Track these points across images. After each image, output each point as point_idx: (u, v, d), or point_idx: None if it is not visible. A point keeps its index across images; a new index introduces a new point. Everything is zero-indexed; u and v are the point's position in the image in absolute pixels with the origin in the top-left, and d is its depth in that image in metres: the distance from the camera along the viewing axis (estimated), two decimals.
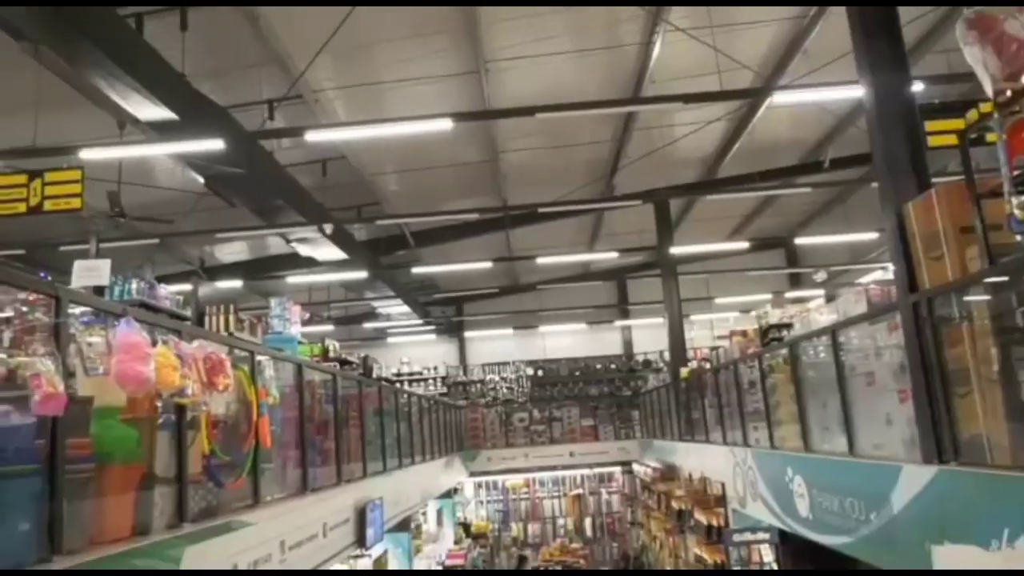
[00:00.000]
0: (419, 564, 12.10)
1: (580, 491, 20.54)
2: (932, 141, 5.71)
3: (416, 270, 16.36)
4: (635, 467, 18.75)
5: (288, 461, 5.64)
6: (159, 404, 3.61)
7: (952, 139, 5.50)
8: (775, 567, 9.67)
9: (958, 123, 5.25)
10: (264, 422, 4.65)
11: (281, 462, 5.46)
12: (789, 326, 8.98)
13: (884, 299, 5.58)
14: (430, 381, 22.02)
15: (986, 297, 4.24)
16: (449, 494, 15.76)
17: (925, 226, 4.49)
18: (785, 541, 10.07)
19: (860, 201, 15.32)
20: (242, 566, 4.18)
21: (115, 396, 3.18)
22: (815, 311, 7.86)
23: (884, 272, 15.33)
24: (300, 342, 7.08)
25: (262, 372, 4.80)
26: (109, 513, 3.19)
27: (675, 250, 15.06)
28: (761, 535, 9.62)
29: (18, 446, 2.63)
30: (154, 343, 3.33)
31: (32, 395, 2.57)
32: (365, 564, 10.40)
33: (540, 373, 22.31)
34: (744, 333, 10.92)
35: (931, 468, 4.40)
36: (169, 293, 6.47)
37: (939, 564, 4.42)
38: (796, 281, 21.65)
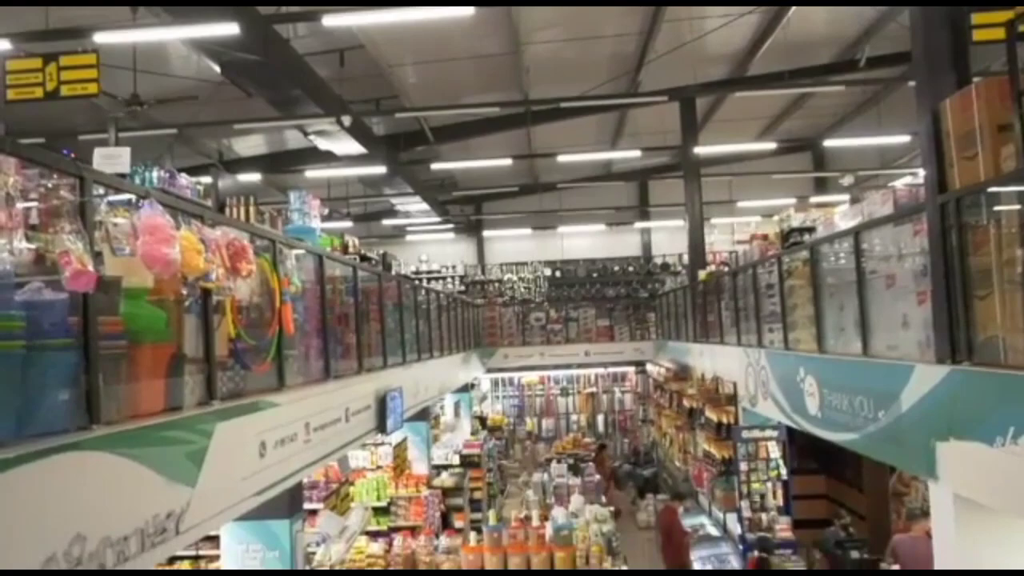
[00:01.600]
0: (437, 452, 12.64)
1: (594, 389, 21.10)
2: (977, 35, 5.44)
3: (435, 166, 16.21)
4: (649, 367, 19.13)
5: (311, 350, 5.80)
6: (184, 289, 3.70)
7: (999, 32, 5.22)
8: (781, 463, 10.01)
9: (1007, 14, 4.96)
10: (287, 309, 4.76)
11: (304, 350, 5.62)
12: (811, 230, 8.91)
13: (912, 201, 5.49)
14: (448, 279, 22.24)
15: (1019, 193, 4.15)
16: (466, 388, 16.23)
17: (961, 124, 4.34)
18: (792, 439, 10.38)
19: (894, 103, 14.79)
20: (269, 444, 4.38)
21: (142, 278, 3.26)
22: (839, 214, 7.76)
23: (913, 178, 14.99)
24: (320, 235, 7.13)
25: (283, 262, 4.87)
26: (142, 389, 3.33)
27: (699, 150, 14.73)
28: (769, 432, 9.90)
29: (52, 321, 2.72)
30: (177, 227, 3.38)
31: (63, 272, 2.64)
32: (386, 451, 10.91)
33: (558, 274, 22.42)
34: (765, 236, 10.85)
35: (943, 368, 4.44)
36: (190, 182, 6.48)
37: (942, 460, 4.55)
38: (822, 186, 21.24)
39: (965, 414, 4.24)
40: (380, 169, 14.50)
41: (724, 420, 10.83)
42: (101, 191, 3.02)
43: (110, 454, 2.81)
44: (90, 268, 2.70)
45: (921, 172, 5.05)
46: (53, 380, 2.72)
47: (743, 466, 9.93)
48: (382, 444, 11.01)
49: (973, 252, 4.32)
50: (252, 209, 7.46)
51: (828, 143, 17.63)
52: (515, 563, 7.53)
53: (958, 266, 4.35)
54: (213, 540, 10.10)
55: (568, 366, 19.91)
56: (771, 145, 17.15)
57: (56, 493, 2.52)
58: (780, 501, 10.07)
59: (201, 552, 10.31)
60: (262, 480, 4.27)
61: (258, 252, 4.47)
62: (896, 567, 8.23)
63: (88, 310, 2.80)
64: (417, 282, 16.41)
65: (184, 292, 3.69)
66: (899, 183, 16.20)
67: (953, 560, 4.70)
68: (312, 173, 15.89)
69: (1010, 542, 4.64)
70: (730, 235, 19.62)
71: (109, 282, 3.05)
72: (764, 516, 9.89)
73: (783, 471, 9.97)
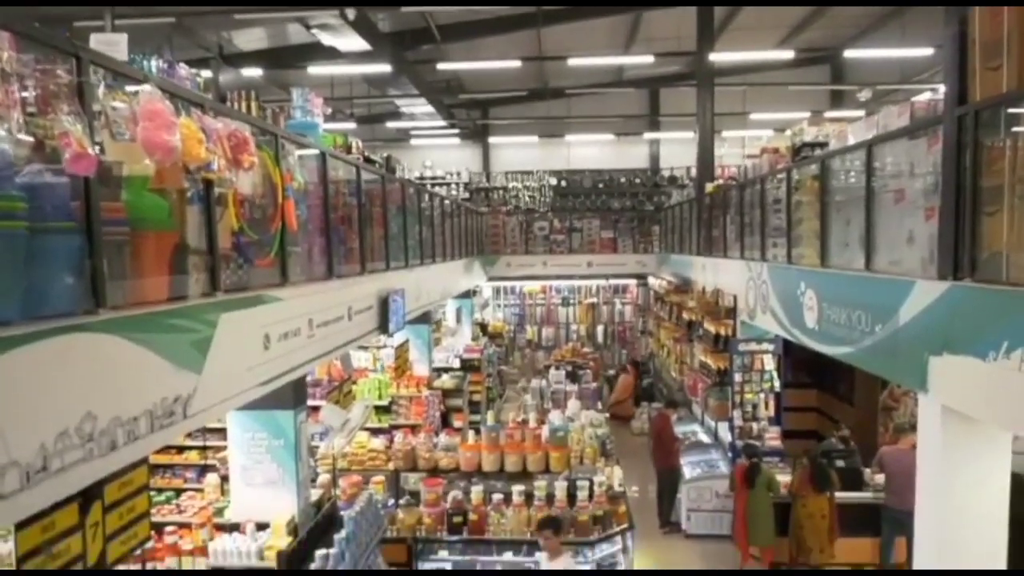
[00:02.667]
0: (438, 355, 12.89)
1: (594, 300, 21.28)
2: None
3: (442, 66, 15.73)
4: (650, 280, 19.22)
5: (314, 248, 5.80)
6: (186, 179, 3.66)
7: None
8: (775, 376, 10.20)
9: None
10: (289, 205, 4.73)
11: (307, 248, 5.63)
12: (824, 145, 8.73)
13: (929, 114, 5.35)
14: (452, 186, 22.02)
15: None
16: (468, 295, 16.37)
17: (989, 32, 4.17)
18: (787, 353, 10.55)
19: (919, 15, 14.18)
20: (274, 337, 4.46)
21: (143, 165, 3.22)
22: (853, 128, 7.58)
23: (933, 95, 14.59)
24: (322, 133, 7.00)
25: (286, 157, 4.81)
26: (146, 277, 3.36)
27: (715, 57, 14.24)
28: (766, 345, 10.05)
29: (55, 204, 2.71)
30: (178, 115, 3.31)
31: (63, 154, 2.61)
32: (387, 353, 11.12)
33: (563, 183, 22.17)
34: (776, 150, 10.64)
35: (944, 284, 4.45)
36: (189, 74, 6.31)
37: (934, 374, 4.63)
38: (838, 100, 20.67)
39: (961, 329, 4.28)
40: (385, 68, 14.08)
41: (722, 333, 10.96)
42: (100, 74, 2.93)
43: (117, 337, 2.86)
44: (90, 151, 2.67)
45: (941, 88, 4.90)
46: (57, 263, 2.74)
47: (737, 377, 10.13)
48: (384, 347, 11.22)
49: (986, 168, 4.25)
50: (254, 104, 7.29)
51: (848, 54, 17.00)
52: (511, 461, 7.79)
53: (970, 182, 4.29)
54: (220, 433, 10.46)
55: (570, 277, 19.99)
56: (789, 54, 16.58)
57: (65, 372, 2.58)
58: (771, 412, 10.33)
59: (209, 443, 10.70)
60: (266, 372, 4.36)
61: (260, 145, 4.40)
62: (881, 476, 8.53)
63: (90, 194, 2.79)
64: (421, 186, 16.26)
65: (186, 182, 3.66)
66: (917, 98, 15.80)
67: (935, 469, 4.86)
68: (315, 70, 15.44)
69: (991, 452, 4.80)
70: (740, 149, 19.30)
71: (110, 167, 3.02)
72: (755, 425, 10.17)
73: (776, 383, 10.18)
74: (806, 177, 7.77)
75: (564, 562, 6.19)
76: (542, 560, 6.41)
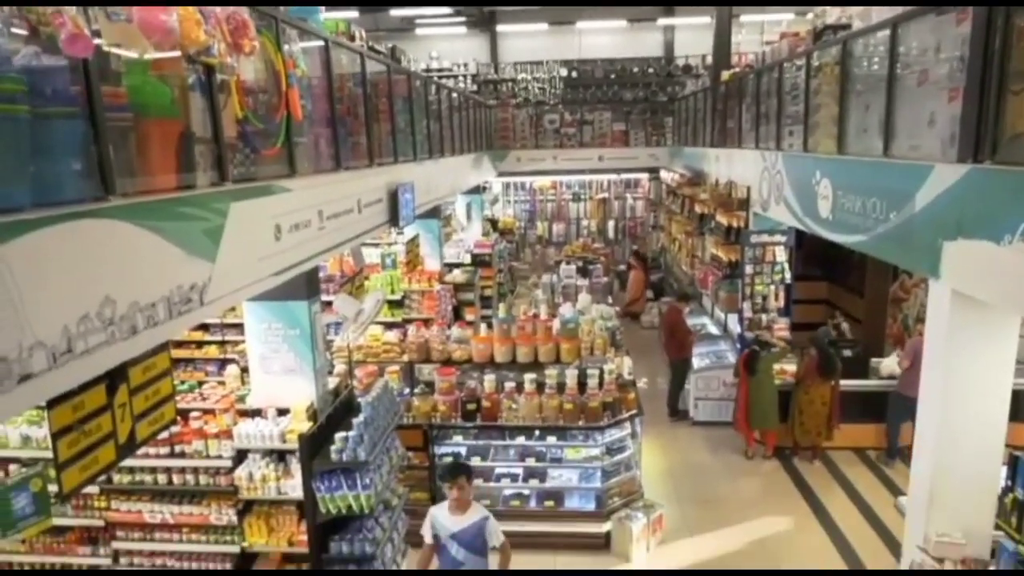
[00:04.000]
0: (449, 251, 12.94)
1: (606, 195, 21.09)
2: None
3: None
4: (663, 174, 18.94)
5: (320, 139, 5.72)
6: (186, 64, 3.57)
7: None
8: (786, 267, 10.20)
9: None
10: (293, 93, 4.62)
11: (313, 139, 5.54)
12: (847, 27, 8.34)
13: None
14: (460, 79, 21.40)
15: None
16: (477, 191, 16.22)
17: None
18: (799, 245, 10.51)
19: None
20: (284, 228, 4.47)
21: (142, 47, 3.12)
22: (877, 7, 7.21)
23: None
24: (323, 19, 6.74)
25: (288, 43, 4.65)
26: (154, 165, 3.34)
27: None
28: (778, 237, 10.00)
29: (55, 88, 2.66)
30: None
31: (58, 35, 2.53)
32: (398, 249, 11.16)
33: (574, 74, 21.45)
34: (796, 35, 10.21)
35: (963, 167, 4.36)
36: None
37: (947, 259, 4.61)
38: None
39: (977, 213, 4.23)
40: None
41: (734, 225, 10.89)
42: None
43: (129, 224, 2.87)
44: (86, 31, 2.59)
45: None
46: (63, 149, 2.72)
47: (748, 269, 10.14)
48: (394, 243, 11.26)
49: (1016, 44, 4.07)
50: None
51: None
52: (523, 353, 7.95)
53: (999, 58, 4.11)
54: (238, 328, 10.68)
55: (581, 171, 19.71)
56: None
57: (80, 257, 2.61)
58: (781, 303, 10.41)
59: (227, 338, 10.97)
60: (279, 262, 4.40)
61: (260, 30, 4.26)
62: (907, 364, 8.66)
63: (90, 78, 2.73)
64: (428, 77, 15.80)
65: (186, 67, 3.57)
66: None
67: (943, 352, 4.93)
68: None
69: (998, 336, 4.85)
70: (759, 35, 18.47)
71: (108, 51, 2.94)
72: (764, 317, 10.27)
73: (787, 275, 10.20)
74: (826, 61, 7.48)
75: (472, 514, 5.00)
76: (443, 517, 5.01)
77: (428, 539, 5.03)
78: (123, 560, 5.72)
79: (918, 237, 4.95)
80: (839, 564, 7.08)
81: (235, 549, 5.57)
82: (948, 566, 5.02)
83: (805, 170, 7.43)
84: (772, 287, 10.26)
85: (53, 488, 2.92)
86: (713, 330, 12.47)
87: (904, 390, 8.76)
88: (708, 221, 12.66)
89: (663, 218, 19.14)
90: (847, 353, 9.68)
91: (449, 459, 7.03)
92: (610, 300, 13.58)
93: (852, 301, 12.90)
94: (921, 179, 4.83)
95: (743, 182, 10.52)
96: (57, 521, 5.36)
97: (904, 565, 5.61)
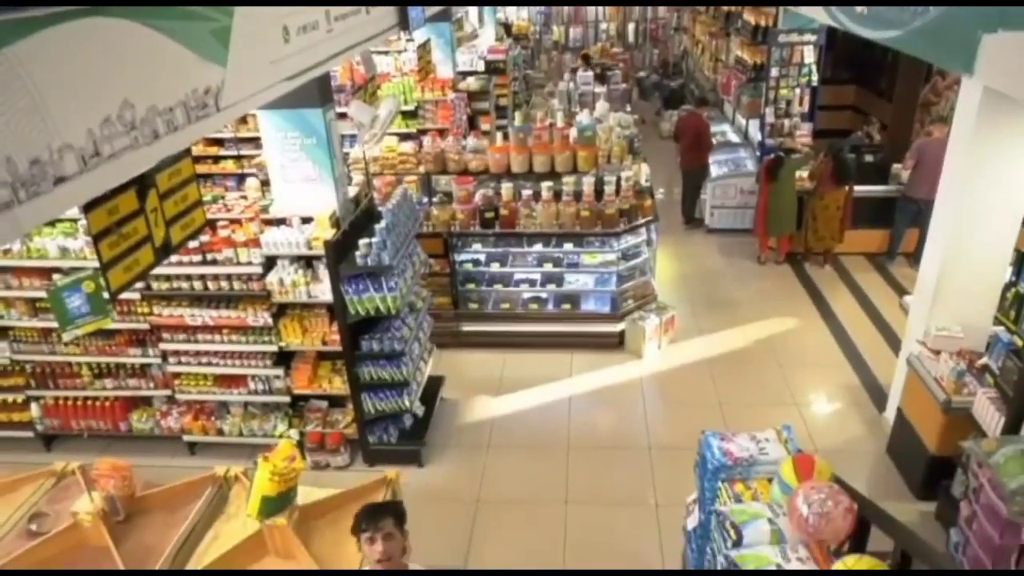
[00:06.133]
0: (461, 58, 12.45)
1: None
2: None
3: None
4: None
5: None
6: None
7: None
8: (814, 69, 9.78)
9: None
10: None
11: None
12: None
13: None
14: None
15: None
16: None
17: None
18: (830, 46, 10.00)
19: None
20: (292, 29, 4.31)
21: None
22: None
23: None
24: None
25: None
26: None
27: None
28: (808, 36, 9.50)
29: None
30: None
31: None
32: (409, 57, 10.74)
33: None
34: None
35: None
36: None
37: (983, 52, 4.40)
38: None
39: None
40: None
41: (762, 23, 10.32)
42: None
43: (136, 24, 2.80)
44: None
45: None
46: None
47: (774, 72, 9.76)
48: (404, 51, 10.82)
49: None
50: None
51: None
52: (540, 162, 7.91)
53: None
54: (252, 142, 10.63)
55: None
56: None
57: (92, 58, 2.58)
58: (805, 108, 10.12)
59: (243, 152, 10.97)
60: (290, 67, 4.30)
61: None
62: (911, 163, 8.59)
63: None
64: None
65: None
66: None
67: (966, 150, 4.87)
68: None
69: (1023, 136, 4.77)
70: None
71: None
72: (787, 123, 10.04)
73: (814, 77, 9.82)
74: None
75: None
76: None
77: None
78: (171, 360, 6.18)
79: (956, 30, 4.69)
80: (841, 360, 7.49)
81: (273, 348, 5.98)
82: (943, 359, 5.31)
83: None
84: (797, 91, 9.92)
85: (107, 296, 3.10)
86: (733, 137, 12.24)
87: (910, 191, 8.77)
88: (735, 20, 11.97)
89: (687, 18, 18.06)
90: (869, 159, 9.55)
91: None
92: (628, 108, 13.22)
93: (880, 106, 12.48)
94: None
95: None
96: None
97: (902, 359, 5.95)
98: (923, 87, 11.13)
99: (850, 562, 2.90)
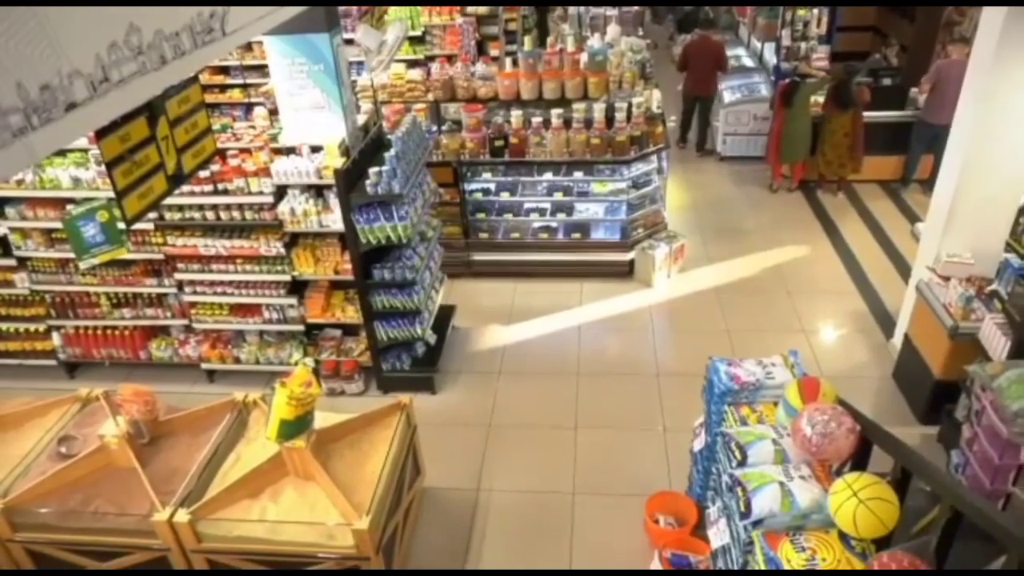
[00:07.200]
0: None
1: None
2: None
3: None
4: None
5: None
6: None
7: None
8: None
9: None
10: None
11: None
12: None
13: None
14: None
15: None
16: None
17: None
18: None
19: None
20: None
21: None
22: None
23: None
24: None
25: None
26: None
27: None
28: None
29: None
30: None
31: None
32: None
33: None
34: None
35: None
36: None
37: None
38: None
39: None
40: None
41: None
42: None
43: None
44: None
45: None
46: None
47: None
48: None
49: None
50: None
51: None
52: (550, 88, 7.76)
53: None
54: (258, 70, 10.46)
55: None
56: None
57: None
58: (823, 31, 9.82)
59: (249, 81, 10.82)
60: None
61: None
62: (927, 87, 8.38)
63: None
64: None
65: None
66: None
67: (987, 72, 4.75)
68: None
69: None
70: None
71: None
72: (803, 46, 9.77)
73: None
74: None
75: None
76: None
77: None
78: (187, 289, 6.27)
79: None
80: (850, 287, 7.51)
81: (286, 277, 6.05)
82: (953, 285, 5.32)
83: None
84: (815, 11, 9.61)
85: (122, 226, 3.13)
86: (748, 62, 11.93)
87: (926, 116, 8.58)
88: None
89: None
90: (886, 82, 9.32)
91: None
92: (640, 32, 12.85)
93: (901, 26, 12.08)
94: None
95: None
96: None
97: (912, 285, 5.96)
98: (946, 7, 10.75)
99: (850, 479, 3.00)
